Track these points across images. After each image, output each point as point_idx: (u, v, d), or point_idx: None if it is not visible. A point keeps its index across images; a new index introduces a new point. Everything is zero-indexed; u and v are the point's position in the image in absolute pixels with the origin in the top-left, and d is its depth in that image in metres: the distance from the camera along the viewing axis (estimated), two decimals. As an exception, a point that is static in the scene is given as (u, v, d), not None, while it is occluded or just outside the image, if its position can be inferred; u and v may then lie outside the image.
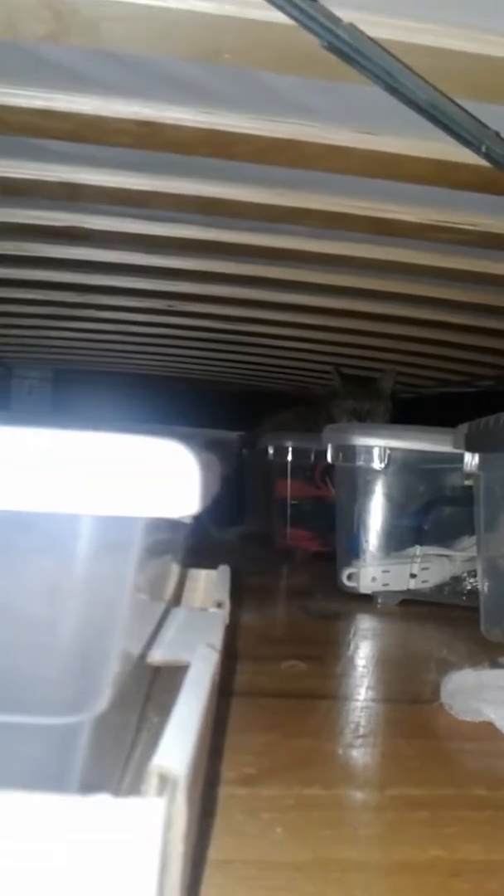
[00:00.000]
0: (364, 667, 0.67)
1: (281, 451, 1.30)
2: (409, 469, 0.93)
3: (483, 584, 0.76)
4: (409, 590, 0.93)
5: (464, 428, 0.73)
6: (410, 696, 0.57)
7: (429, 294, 1.03)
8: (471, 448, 0.71)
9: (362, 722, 0.52)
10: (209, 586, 0.53)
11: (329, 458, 0.97)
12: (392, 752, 0.47)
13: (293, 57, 0.48)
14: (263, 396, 2.05)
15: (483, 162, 0.56)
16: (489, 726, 0.50)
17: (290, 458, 1.29)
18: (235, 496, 1.69)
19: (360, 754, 0.46)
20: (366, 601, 0.92)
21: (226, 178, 0.71)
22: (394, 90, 0.43)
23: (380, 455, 0.92)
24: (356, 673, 0.64)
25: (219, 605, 0.48)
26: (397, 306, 1.13)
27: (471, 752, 0.48)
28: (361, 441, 0.93)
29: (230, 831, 0.35)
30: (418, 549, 0.93)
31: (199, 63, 0.51)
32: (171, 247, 0.94)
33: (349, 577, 0.95)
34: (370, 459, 0.93)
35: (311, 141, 0.60)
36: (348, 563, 0.96)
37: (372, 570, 0.94)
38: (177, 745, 0.21)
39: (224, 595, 0.51)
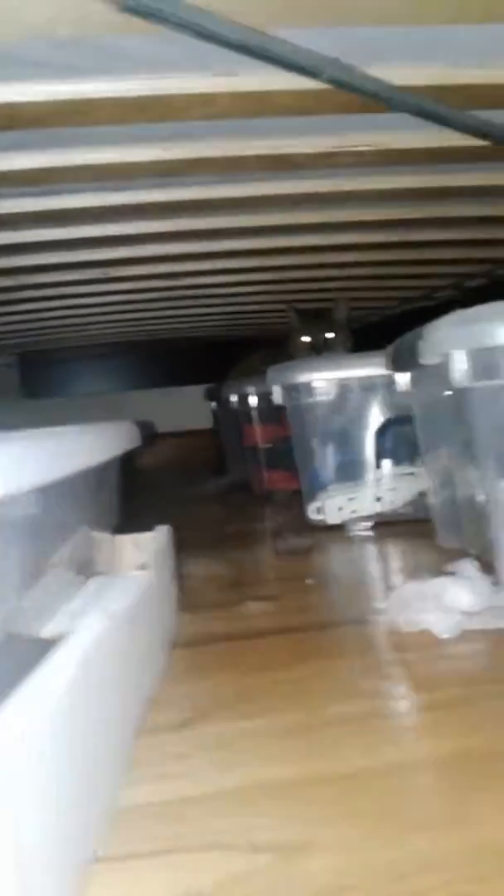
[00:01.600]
0: (321, 596, 0.69)
1: (244, 398, 1.31)
2: (357, 396, 0.94)
3: (433, 497, 0.77)
4: (377, 513, 0.95)
5: (390, 349, 0.74)
6: (359, 617, 0.59)
7: (355, 219, 1.02)
8: (397, 368, 0.72)
9: (307, 649, 0.54)
10: (140, 549, 0.55)
11: (279, 399, 0.98)
12: (331, 672, 0.49)
13: (124, 18, 0.47)
14: (232, 345, 2.05)
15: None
16: (428, 634, 0.53)
17: (254, 403, 1.30)
18: (216, 448, 1.71)
19: (302, 680, 0.48)
20: (337, 532, 0.95)
21: (112, 142, 0.71)
22: (207, 37, 0.43)
23: (325, 388, 0.93)
24: (312, 604, 0.67)
25: (142, 568, 0.50)
26: (331, 235, 1.12)
27: (409, 661, 0.50)
28: (305, 377, 0.94)
29: (154, 777, 0.38)
30: (379, 472, 0.95)
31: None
32: (82, 217, 0.93)
33: (317, 510, 0.97)
34: (317, 393, 0.94)
35: (173, 93, 0.60)
36: (314, 497, 0.98)
37: (337, 501, 0.96)
38: (12, 724, 0.23)
39: (150, 557, 0.53)
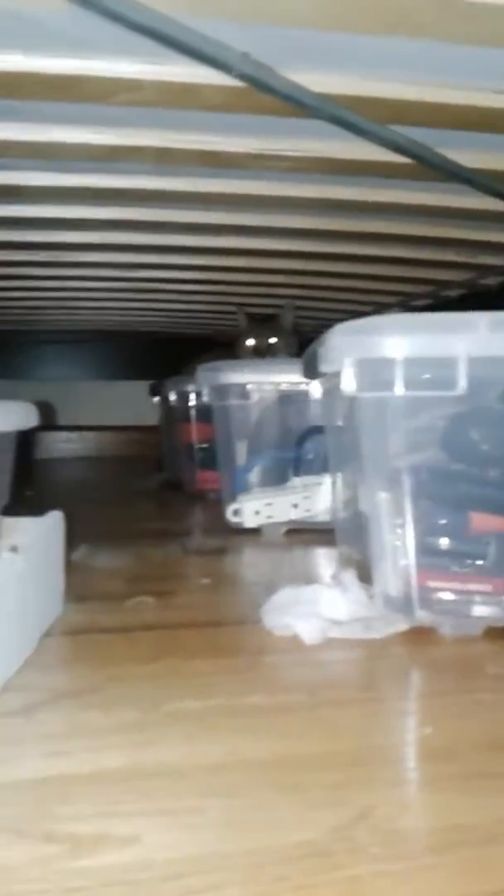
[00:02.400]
0: (211, 596, 0.69)
1: (183, 396, 1.31)
2: (280, 402, 0.94)
3: (338, 507, 0.78)
4: (292, 520, 0.95)
5: (304, 356, 0.74)
6: (238, 619, 0.59)
7: (297, 226, 1.02)
8: (307, 375, 0.72)
9: (175, 646, 0.54)
10: (22, 532, 0.55)
11: (206, 398, 0.98)
12: (188, 671, 0.49)
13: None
14: (187, 343, 2.04)
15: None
16: (297, 639, 0.53)
17: (192, 402, 1.29)
18: (155, 445, 1.70)
19: (156, 676, 0.48)
20: (253, 535, 0.94)
21: (41, 120, 0.70)
22: (112, 16, 0.43)
23: (250, 391, 0.93)
24: (200, 602, 0.66)
25: (13, 550, 0.49)
26: (275, 240, 1.12)
27: (268, 664, 0.50)
28: (232, 379, 0.94)
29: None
30: (297, 480, 0.95)
31: None
32: (27, 195, 0.92)
33: (234, 512, 0.97)
34: (241, 396, 0.94)
35: (97, 76, 0.59)
36: (233, 499, 0.97)
37: (255, 504, 0.96)
38: None
39: (26, 540, 0.52)
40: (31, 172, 0.85)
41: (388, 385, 0.52)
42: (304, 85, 0.56)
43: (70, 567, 0.65)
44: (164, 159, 0.76)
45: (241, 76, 0.49)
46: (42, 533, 0.57)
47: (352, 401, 0.57)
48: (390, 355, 0.51)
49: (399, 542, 0.55)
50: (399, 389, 0.52)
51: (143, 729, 0.41)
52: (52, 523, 0.60)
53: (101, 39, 0.56)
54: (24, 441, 0.63)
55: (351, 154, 0.73)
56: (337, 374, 0.57)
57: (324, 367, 0.57)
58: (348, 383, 0.53)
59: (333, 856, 0.30)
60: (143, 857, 0.30)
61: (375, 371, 0.52)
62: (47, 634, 0.55)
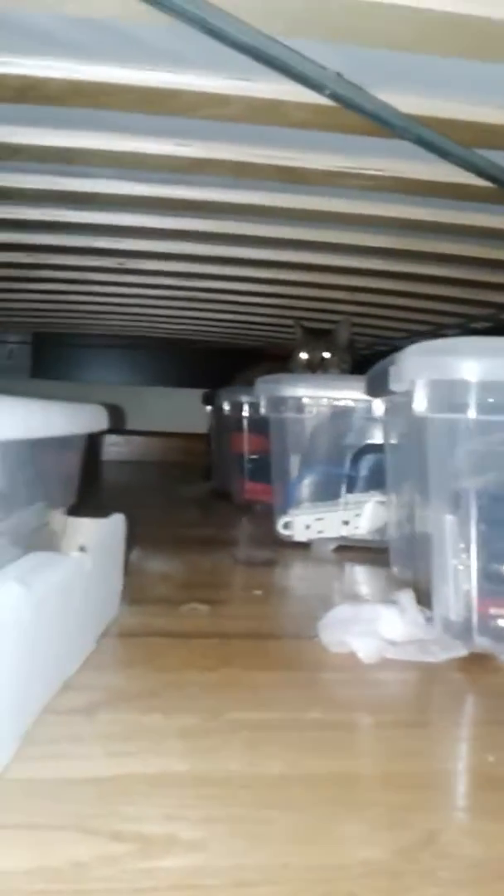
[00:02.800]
0: (263, 608, 0.69)
1: (236, 407, 1.31)
2: (337, 417, 0.94)
3: (394, 527, 0.77)
4: (343, 536, 0.95)
5: (369, 373, 0.74)
6: (292, 632, 0.59)
7: (363, 243, 1.03)
8: (371, 393, 0.72)
9: (230, 656, 0.54)
10: (88, 533, 0.55)
11: (262, 410, 0.98)
12: (247, 681, 0.49)
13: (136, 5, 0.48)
14: (241, 354, 2.06)
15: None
16: (353, 657, 0.53)
17: (245, 412, 1.30)
18: (201, 453, 1.71)
19: (213, 684, 0.48)
20: (303, 549, 0.94)
21: (125, 131, 0.71)
22: (214, 33, 0.44)
23: (307, 405, 0.93)
24: (253, 613, 0.66)
25: (81, 549, 0.50)
26: (339, 256, 1.13)
27: (324, 680, 0.50)
28: (290, 392, 0.94)
29: (45, 756, 0.38)
30: (348, 497, 0.95)
31: (51, 14, 0.51)
32: (99, 203, 0.94)
33: (285, 525, 0.97)
34: (298, 409, 0.94)
35: (186, 89, 0.60)
36: (284, 513, 0.98)
37: (305, 518, 0.96)
38: None
39: (91, 540, 0.53)
40: (106, 181, 0.87)
41: (462, 407, 0.51)
42: (390, 104, 0.56)
43: (125, 570, 0.66)
44: (241, 173, 0.77)
45: (334, 95, 0.50)
46: (106, 534, 0.58)
47: (418, 421, 0.57)
48: (465, 378, 0.51)
49: (462, 567, 0.55)
50: (472, 413, 0.51)
51: (205, 736, 0.41)
52: (115, 525, 0.61)
53: (193, 55, 0.58)
54: (92, 443, 0.64)
55: (429, 175, 0.73)
56: (406, 394, 0.57)
57: (394, 386, 0.57)
58: (420, 403, 0.53)
59: (401, 877, 0.30)
60: (210, 862, 0.30)
61: (448, 393, 0.52)
62: (104, 635, 0.56)
